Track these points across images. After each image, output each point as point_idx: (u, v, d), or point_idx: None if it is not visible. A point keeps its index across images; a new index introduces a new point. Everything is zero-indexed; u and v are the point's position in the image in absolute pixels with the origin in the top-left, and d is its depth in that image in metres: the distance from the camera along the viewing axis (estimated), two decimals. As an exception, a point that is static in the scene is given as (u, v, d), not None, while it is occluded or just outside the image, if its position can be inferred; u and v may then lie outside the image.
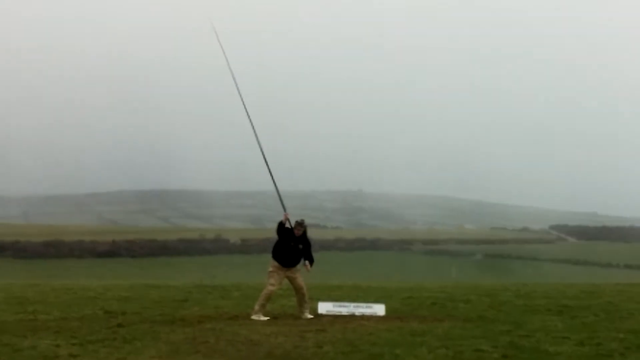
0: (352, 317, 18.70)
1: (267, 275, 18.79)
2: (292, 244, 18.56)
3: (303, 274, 18.92)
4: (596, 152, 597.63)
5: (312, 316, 18.45)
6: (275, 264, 18.60)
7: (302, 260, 18.80)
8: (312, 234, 19.36)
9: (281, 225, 18.71)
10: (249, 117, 19.37)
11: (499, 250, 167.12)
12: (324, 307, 19.48)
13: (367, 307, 19.53)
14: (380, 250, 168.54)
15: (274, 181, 19.18)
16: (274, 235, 18.87)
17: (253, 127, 19.31)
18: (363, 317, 18.57)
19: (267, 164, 19.14)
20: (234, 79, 19.75)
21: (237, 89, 19.73)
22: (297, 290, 18.72)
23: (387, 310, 19.30)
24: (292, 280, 18.71)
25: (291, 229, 18.73)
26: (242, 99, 19.60)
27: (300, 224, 18.79)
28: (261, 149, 19.17)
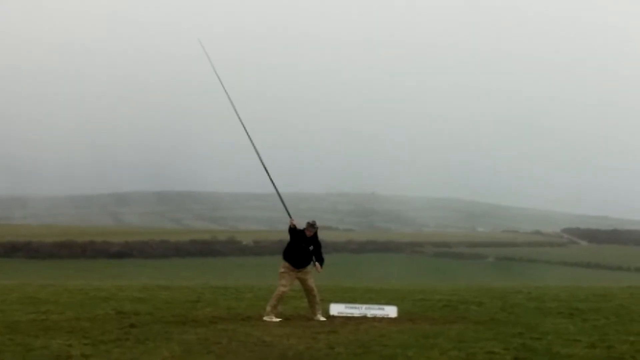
0: (364, 318, 18.75)
1: (278, 277, 18.84)
2: (303, 245, 18.59)
3: (314, 275, 18.96)
4: (607, 156, 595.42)
5: (324, 318, 18.48)
6: (286, 264, 18.63)
7: (312, 261, 18.83)
8: (324, 235, 19.41)
9: (291, 229, 18.76)
10: (243, 125, 19.61)
11: (511, 253, 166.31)
12: (336, 309, 19.51)
13: (379, 308, 19.56)
14: (392, 252, 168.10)
15: (276, 189, 19.35)
16: (286, 237, 18.92)
17: (249, 136, 19.52)
18: (375, 319, 18.61)
19: (267, 173, 19.33)
20: (223, 88, 19.96)
21: (230, 99, 19.91)
22: (308, 291, 18.75)
23: (399, 312, 19.32)
24: (303, 282, 18.73)
25: (302, 230, 18.78)
26: (235, 109, 19.81)
27: (312, 225, 18.82)
28: (260, 159, 19.35)
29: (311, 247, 18.67)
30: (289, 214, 18.80)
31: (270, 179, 19.36)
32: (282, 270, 18.68)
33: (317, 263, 18.82)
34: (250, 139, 19.42)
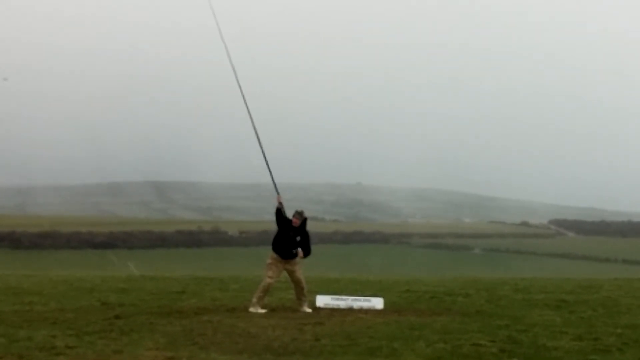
0: (350, 310, 18.72)
1: (265, 268, 18.77)
2: (290, 234, 18.53)
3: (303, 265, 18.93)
4: (595, 147, 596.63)
5: (310, 310, 18.43)
6: (275, 255, 18.57)
7: (298, 250, 18.74)
8: (310, 226, 19.24)
9: (279, 211, 18.71)
10: (248, 110, 19.44)
11: (498, 244, 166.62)
12: (322, 300, 19.46)
13: (365, 300, 19.51)
14: (378, 243, 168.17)
15: (268, 167, 19.29)
16: (272, 228, 18.87)
17: (252, 121, 19.40)
18: (361, 311, 18.57)
19: (263, 154, 19.23)
20: (234, 71, 19.81)
21: (238, 82, 19.78)
22: (296, 283, 18.70)
23: (385, 303, 19.28)
24: (290, 274, 18.68)
25: (289, 220, 18.72)
26: (242, 94, 19.67)
27: (300, 213, 18.78)
28: (259, 140, 19.26)
29: (298, 238, 18.62)
30: (277, 190, 18.74)
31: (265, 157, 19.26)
32: (270, 261, 18.63)
33: (299, 249, 18.74)
34: (255, 130, 19.36)
